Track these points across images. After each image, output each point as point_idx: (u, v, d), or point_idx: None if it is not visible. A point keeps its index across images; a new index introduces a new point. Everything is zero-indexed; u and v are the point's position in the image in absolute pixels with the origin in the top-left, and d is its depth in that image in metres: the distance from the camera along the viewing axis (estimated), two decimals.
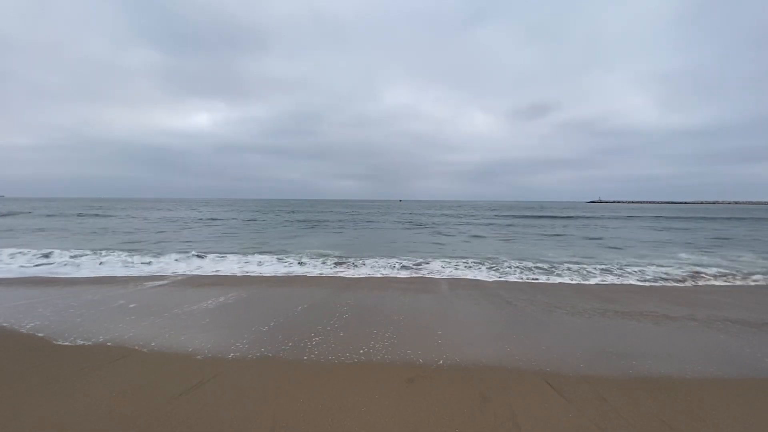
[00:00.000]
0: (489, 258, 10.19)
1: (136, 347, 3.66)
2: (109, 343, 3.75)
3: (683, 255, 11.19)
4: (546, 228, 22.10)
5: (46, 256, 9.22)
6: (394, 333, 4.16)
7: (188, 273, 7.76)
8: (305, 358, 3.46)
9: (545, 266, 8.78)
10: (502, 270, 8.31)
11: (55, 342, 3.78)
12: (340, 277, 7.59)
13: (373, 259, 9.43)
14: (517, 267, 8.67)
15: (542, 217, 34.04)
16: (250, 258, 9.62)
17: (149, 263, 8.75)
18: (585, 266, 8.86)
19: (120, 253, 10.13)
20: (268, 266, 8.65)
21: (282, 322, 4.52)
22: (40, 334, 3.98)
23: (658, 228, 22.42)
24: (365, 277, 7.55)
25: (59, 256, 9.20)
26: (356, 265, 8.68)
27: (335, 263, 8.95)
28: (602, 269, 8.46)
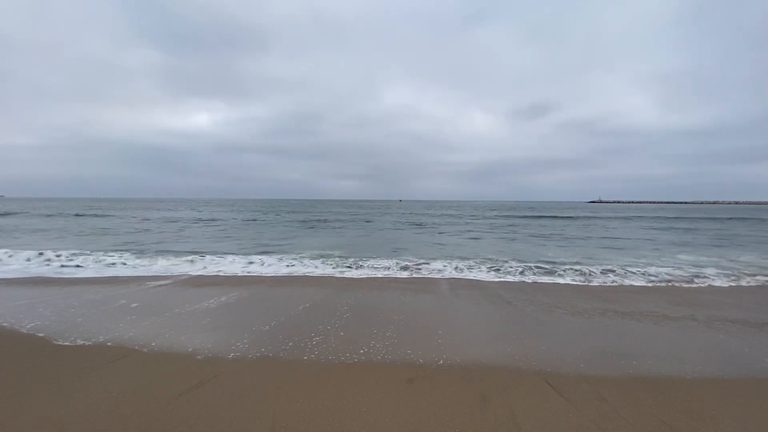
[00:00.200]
0: (489, 258, 10.19)
1: (137, 347, 3.67)
2: (109, 343, 3.76)
3: (683, 255, 11.19)
4: (546, 228, 22.10)
5: (46, 256, 9.22)
6: (394, 333, 4.16)
7: (188, 273, 7.76)
8: (305, 358, 3.46)
9: (545, 266, 8.78)
10: (502, 270, 8.31)
11: (55, 342, 3.78)
12: (340, 277, 7.59)
13: (374, 260, 9.43)
14: (517, 267, 8.67)
15: (542, 217, 34.05)
16: (250, 258, 9.63)
17: (149, 263, 8.75)
18: (585, 266, 8.85)
19: (121, 253, 10.14)
20: (268, 266, 8.66)
21: (282, 322, 4.52)
22: (40, 334, 3.98)
23: (658, 228, 22.41)
24: (365, 278, 7.55)
25: (59, 257, 9.20)
26: (356, 266, 8.68)
27: (335, 263, 8.94)
28: (602, 269, 8.45)
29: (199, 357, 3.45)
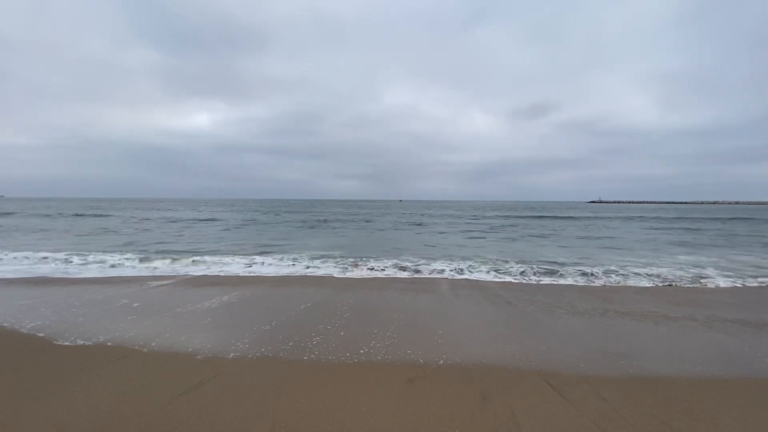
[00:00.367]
0: (489, 258, 10.20)
1: (137, 347, 3.67)
2: (109, 343, 3.76)
3: (683, 255, 11.19)
4: (546, 228, 22.10)
5: (46, 256, 9.22)
6: (395, 333, 4.16)
7: (189, 273, 7.76)
8: (305, 358, 3.46)
9: (545, 267, 8.78)
10: (502, 270, 8.31)
11: (55, 342, 3.78)
12: (340, 277, 7.59)
13: (374, 260, 9.44)
14: (517, 267, 8.67)
15: (542, 217, 34.05)
16: (250, 258, 9.63)
17: (150, 263, 8.76)
18: (585, 267, 8.86)
19: (121, 253, 10.15)
20: (268, 266, 8.66)
21: (282, 322, 4.52)
22: (40, 334, 3.98)
23: (659, 228, 22.41)
24: (366, 278, 7.55)
25: (59, 257, 9.20)
26: (357, 266, 8.67)
27: (336, 263, 8.95)
28: (602, 270, 8.45)
29: (199, 357, 3.45)
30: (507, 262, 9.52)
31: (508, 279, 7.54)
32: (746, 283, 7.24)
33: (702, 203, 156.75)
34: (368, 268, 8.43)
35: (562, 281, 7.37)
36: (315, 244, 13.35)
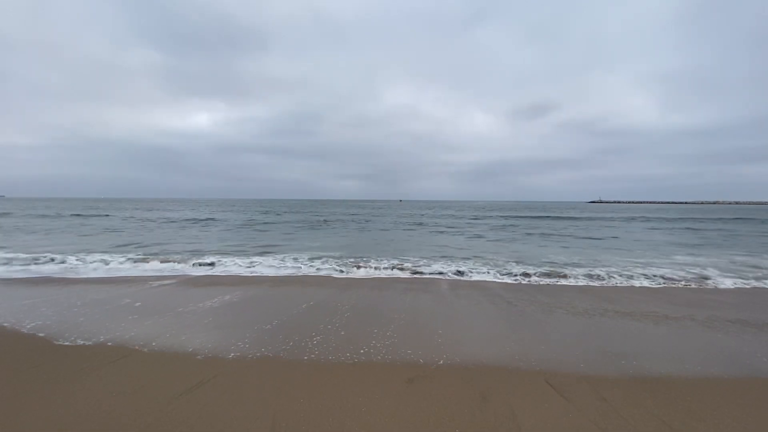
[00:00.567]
0: (489, 258, 10.20)
1: (137, 347, 3.67)
2: (109, 343, 3.76)
3: (683, 256, 11.18)
4: (546, 228, 22.09)
5: (47, 256, 9.22)
6: (395, 333, 4.16)
7: (189, 273, 7.77)
8: (306, 357, 3.46)
9: (545, 267, 8.78)
10: (502, 271, 8.31)
11: (55, 342, 3.78)
12: (340, 277, 7.59)
13: (374, 260, 9.44)
14: (517, 267, 8.67)
15: (542, 217, 34.04)
16: (251, 258, 9.64)
17: (151, 263, 8.76)
18: (585, 267, 8.86)
19: (122, 253, 10.15)
20: (269, 266, 8.66)
21: (283, 321, 4.52)
22: (41, 334, 3.98)
23: (659, 228, 22.41)
24: (366, 278, 7.55)
25: (60, 257, 9.20)
26: (357, 266, 8.67)
27: (336, 263, 8.94)
28: (602, 270, 8.45)
29: (199, 357, 3.45)
30: (507, 262, 9.52)
31: (508, 279, 7.54)
32: (746, 284, 7.24)
33: (702, 203, 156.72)
34: (368, 268, 8.42)
35: (562, 281, 7.37)
36: (315, 245, 13.35)
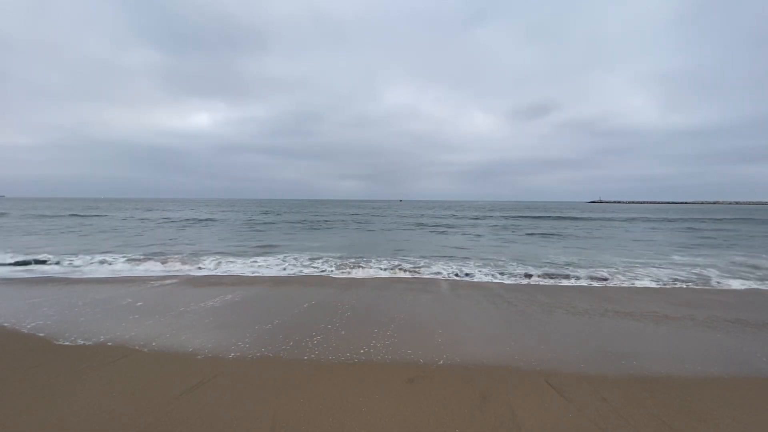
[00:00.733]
0: (489, 258, 10.20)
1: (137, 347, 3.67)
2: (109, 343, 3.76)
3: (683, 256, 11.18)
4: (546, 229, 22.08)
5: (48, 256, 9.22)
6: (395, 333, 4.16)
7: (190, 273, 7.77)
8: (306, 357, 3.46)
9: (545, 267, 8.78)
10: (502, 271, 8.31)
11: (55, 342, 3.78)
12: (341, 277, 7.60)
13: (374, 260, 9.43)
14: (518, 268, 8.67)
15: (542, 217, 34.04)
16: (251, 258, 9.64)
17: (150, 263, 8.75)
18: (585, 267, 8.86)
19: (122, 253, 10.15)
20: (270, 266, 8.66)
21: (283, 321, 4.52)
22: (41, 334, 3.98)
23: (659, 229, 22.41)
24: (366, 278, 7.55)
25: (61, 257, 9.20)
26: (357, 266, 8.67)
27: (336, 263, 8.94)
28: (602, 270, 8.45)
29: (199, 357, 3.45)
30: (507, 262, 9.52)
31: (509, 279, 7.54)
32: (746, 284, 7.24)
33: (702, 203, 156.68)
34: (369, 269, 8.42)
35: (562, 282, 7.37)
36: (315, 245, 13.34)
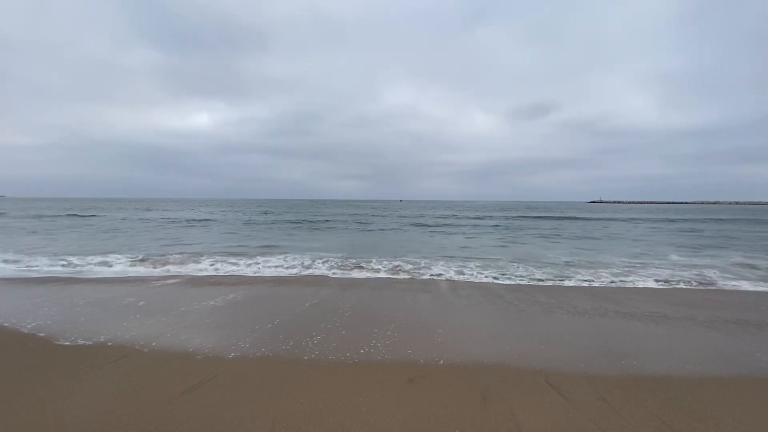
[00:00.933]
0: (489, 258, 10.20)
1: (137, 347, 3.67)
2: (110, 343, 3.76)
3: (684, 256, 11.18)
4: (546, 228, 22.09)
5: (48, 256, 9.23)
6: (395, 333, 4.16)
7: (190, 274, 7.77)
8: (306, 357, 3.46)
9: (545, 267, 8.78)
10: (502, 270, 8.31)
11: (56, 342, 3.78)
12: (341, 277, 7.59)
13: (375, 260, 9.44)
14: (518, 268, 8.67)
15: (542, 217, 34.04)
16: (251, 258, 9.64)
17: (150, 264, 8.76)
18: (585, 267, 8.86)
19: (123, 254, 10.15)
20: (270, 267, 8.66)
21: (283, 321, 4.52)
22: (41, 334, 3.98)
23: (659, 229, 22.41)
24: (367, 278, 7.55)
25: (61, 257, 9.21)
26: (358, 266, 8.68)
27: (337, 263, 8.95)
28: (603, 270, 8.45)
29: (199, 357, 3.46)
30: (507, 262, 9.52)
31: (508, 279, 7.54)
32: (747, 284, 7.24)
33: (702, 203, 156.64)
34: (369, 269, 8.43)
35: (562, 282, 7.37)
36: (316, 245, 13.35)
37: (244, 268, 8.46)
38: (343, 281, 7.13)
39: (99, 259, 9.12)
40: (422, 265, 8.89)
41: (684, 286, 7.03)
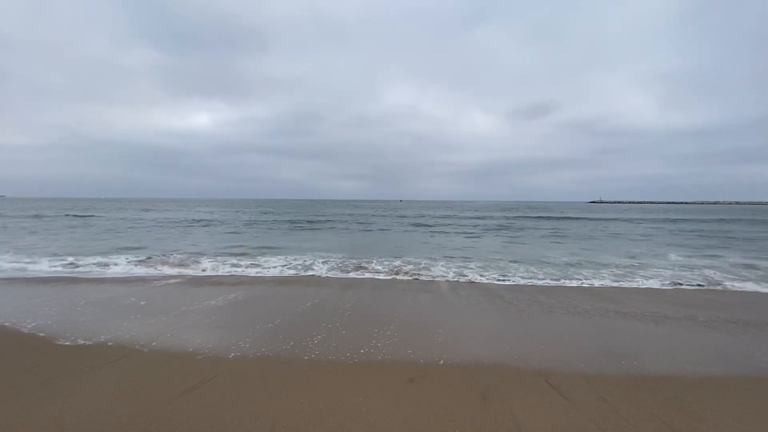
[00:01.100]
0: (489, 258, 10.20)
1: (137, 347, 3.67)
2: (110, 343, 3.76)
3: (683, 256, 11.18)
4: (546, 229, 22.09)
5: (49, 256, 9.24)
6: (395, 333, 4.16)
7: (190, 274, 7.78)
8: (306, 357, 3.46)
9: (546, 267, 8.78)
10: (502, 271, 8.31)
11: (56, 342, 3.78)
12: (341, 277, 7.60)
13: (375, 260, 9.44)
14: (518, 268, 8.67)
15: (542, 217, 34.03)
16: (252, 259, 9.64)
17: (151, 263, 8.76)
18: (585, 267, 8.86)
19: (123, 254, 10.16)
20: (270, 267, 8.66)
21: (283, 321, 4.52)
22: (41, 334, 3.99)
23: (659, 229, 22.40)
24: (367, 278, 7.55)
25: (61, 257, 9.21)
26: (358, 266, 8.68)
27: (337, 264, 8.95)
28: (603, 270, 8.45)
29: (199, 357, 3.46)
30: (507, 262, 9.52)
31: (509, 279, 7.54)
32: (746, 284, 7.23)
33: (702, 203, 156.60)
34: (369, 269, 8.43)
35: (562, 282, 7.37)
36: (316, 245, 13.35)
37: (244, 268, 8.46)
38: (343, 281, 7.13)
39: (99, 259, 9.12)
40: (422, 265, 8.89)
41: (684, 286, 7.03)
